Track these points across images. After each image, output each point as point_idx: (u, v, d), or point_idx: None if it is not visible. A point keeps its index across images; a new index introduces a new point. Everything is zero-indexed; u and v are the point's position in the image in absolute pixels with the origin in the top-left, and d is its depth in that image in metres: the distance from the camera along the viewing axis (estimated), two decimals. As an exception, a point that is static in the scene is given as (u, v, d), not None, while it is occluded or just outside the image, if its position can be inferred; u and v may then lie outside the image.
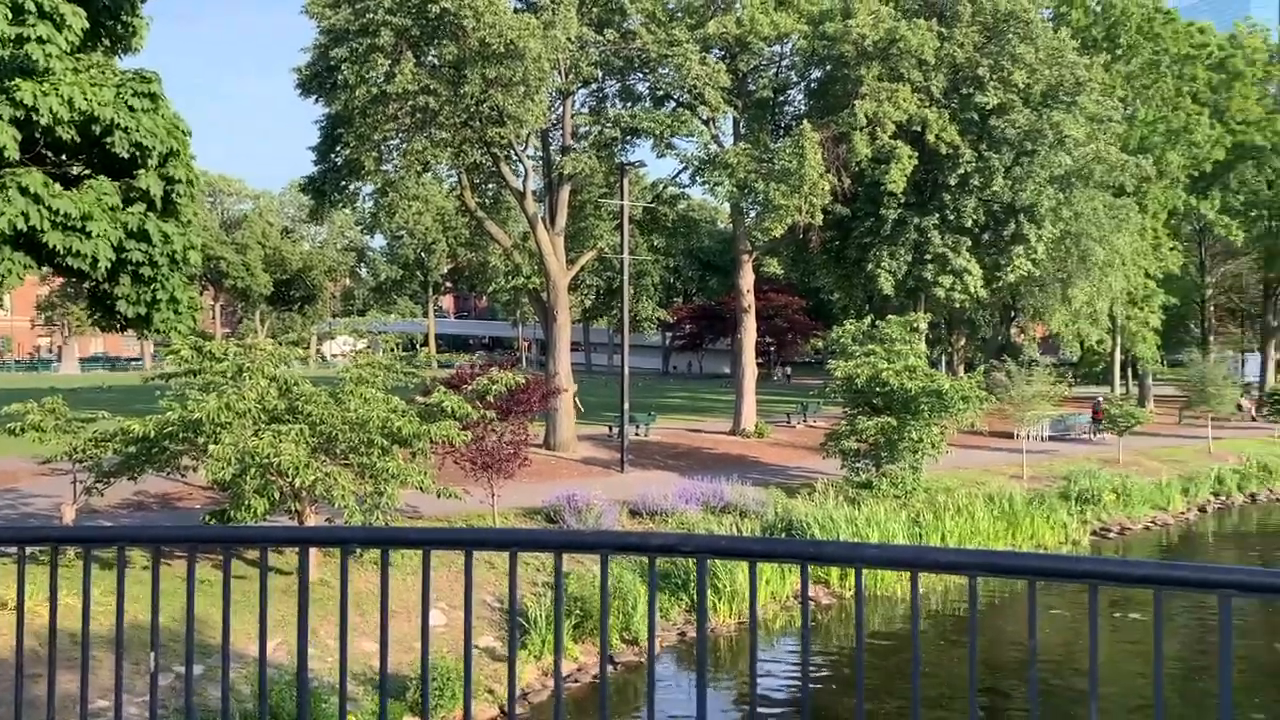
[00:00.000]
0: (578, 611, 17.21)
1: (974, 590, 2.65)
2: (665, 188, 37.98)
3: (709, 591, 18.92)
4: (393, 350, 21.87)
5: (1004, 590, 19.04)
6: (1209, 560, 26.39)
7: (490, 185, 36.17)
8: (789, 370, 76.70)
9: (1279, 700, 15.54)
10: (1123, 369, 55.53)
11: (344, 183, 31.94)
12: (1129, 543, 27.78)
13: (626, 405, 30.70)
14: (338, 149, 30.53)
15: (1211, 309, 63.59)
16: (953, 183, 35.77)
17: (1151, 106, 47.24)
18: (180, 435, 16.07)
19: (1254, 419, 49.39)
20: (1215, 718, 2.53)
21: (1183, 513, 31.39)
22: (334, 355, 76.01)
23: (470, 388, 19.78)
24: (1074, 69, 36.05)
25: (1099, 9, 48.49)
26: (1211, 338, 61.60)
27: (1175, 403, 48.72)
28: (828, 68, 36.73)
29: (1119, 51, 47.18)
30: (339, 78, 27.06)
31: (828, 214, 34.50)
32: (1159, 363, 55.14)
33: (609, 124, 33.50)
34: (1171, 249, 48.67)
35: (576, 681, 16.03)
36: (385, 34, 26.14)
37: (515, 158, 32.87)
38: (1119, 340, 49.30)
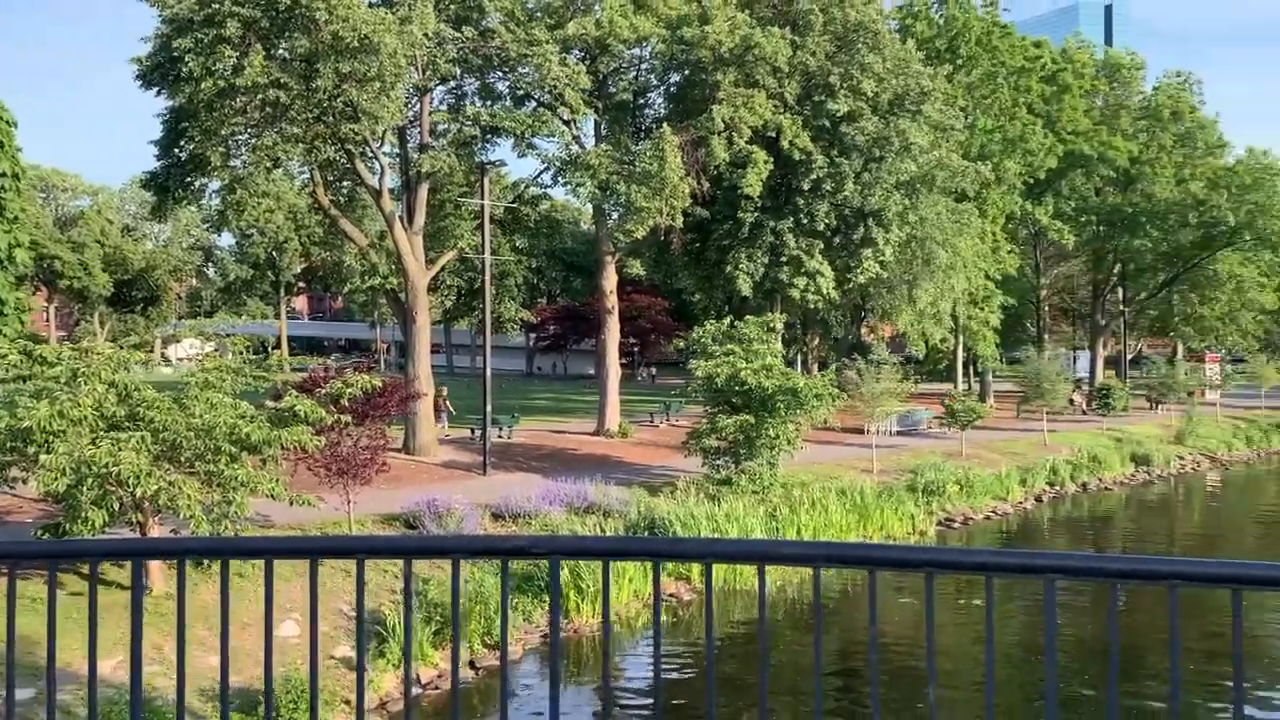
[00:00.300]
0: (438, 618, 16.96)
1: (818, 580, 2.73)
2: (527, 188, 37.82)
3: (573, 592, 18.94)
4: (242, 353, 21.02)
5: (859, 580, 19.72)
6: (1040, 546, 28.00)
7: (345, 183, 35.26)
8: (654, 370, 77.45)
9: (1106, 677, 16.60)
10: (965, 366, 58.25)
11: (189, 179, 30.58)
12: (972, 532, 29.18)
13: (489, 407, 30.41)
14: (182, 143, 29.21)
15: (1046, 309, 67.43)
16: (806, 187, 36.85)
17: (990, 116, 49.73)
18: (8, 445, 15.11)
19: (1085, 412, 52.58)
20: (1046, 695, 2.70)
21: (1021, 502, 33.18)
22: (179, 359, 72.69)
23: (324, 391, 19.23)
24: (919, 79, 37.65)
25: (942, 22, 50.80)
26: (1046, 336, 65.31)
27: (1013, 398, 51.39)
28: (686, 72, 37.30)
29: (960, 63, 49.54)
30: (183, 69, 25.86)
31: (688, 216, 35.02)
32: (998, 360, 58.13)
33: (468, 122, 33.14)
34: (1009, 252, 51.34)
35: (438, 689, 15.81)
36: (232, 25, 25.15)
37: (371, 155, 32.14)
38: (961, 339, 51.68)
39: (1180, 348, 71.77)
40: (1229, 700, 14.81)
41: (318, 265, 73.83)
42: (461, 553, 2.94)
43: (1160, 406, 53.67)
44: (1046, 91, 53.91)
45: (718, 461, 27.59)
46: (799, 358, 50.66)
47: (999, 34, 51.22)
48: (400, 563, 2.98)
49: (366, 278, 34.94)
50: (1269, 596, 2.59)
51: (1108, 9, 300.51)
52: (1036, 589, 2.63)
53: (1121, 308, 66.36)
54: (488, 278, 32.65)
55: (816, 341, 52.77)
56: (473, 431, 33.94)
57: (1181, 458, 43.33)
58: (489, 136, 33.59)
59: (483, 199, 31.41)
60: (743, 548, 3.72)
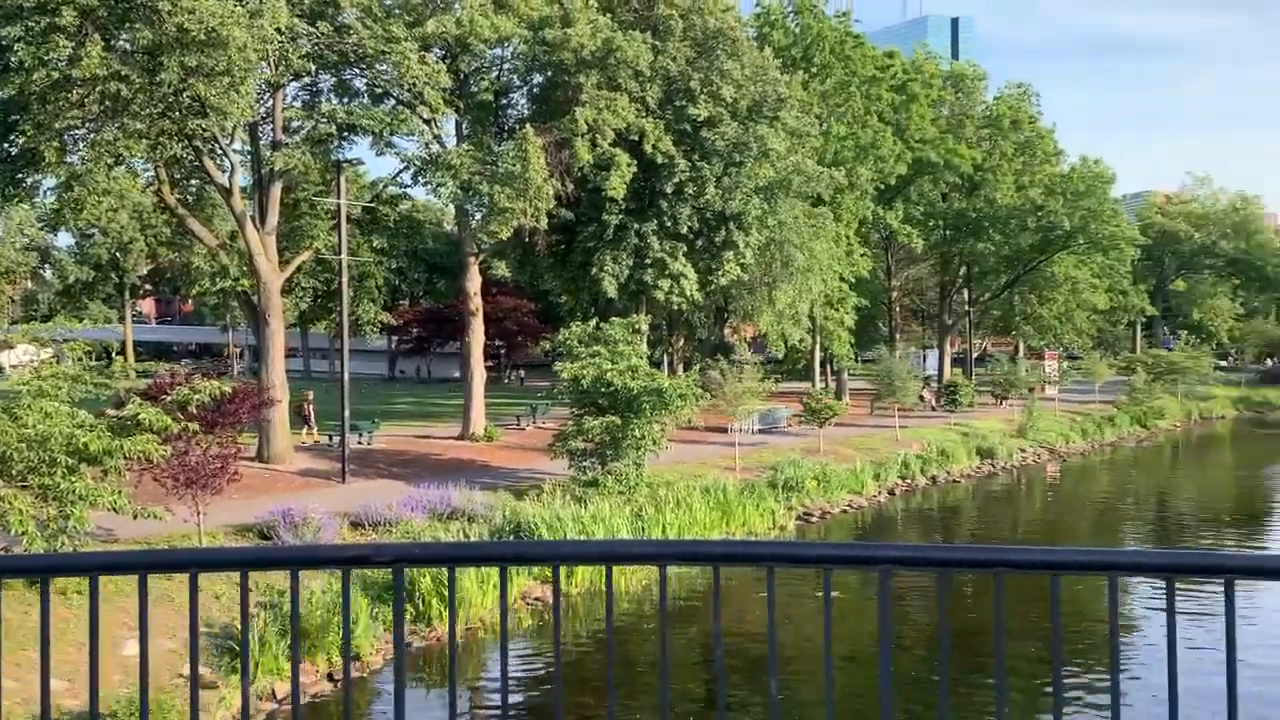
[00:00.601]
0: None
1: (664, 578, 2.76)
2: (385, 187, 37.07)
3: (435, 599, 18.68)
4: (81, 359, 19.93)
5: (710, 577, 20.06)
6: (893, 537, 29.12)
7: (193, 180, 33.84)
8: (523, 373, 76.95)
9: (947, 664, 17.38)
10: (822, 365, 60.00)
11: (20, 175, 28.81)
12: (830, 525, 30.13)
13: (347, 413, 29.68)
14: (12, 137, 27.46)
15: (898, 309, 70.16)
16: (669, 191, 37.31)
17: (844, 123, 51.39)
18: None
19: (934, 408, 54.92)
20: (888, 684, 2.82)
21: (875, 495, 34.43)
22: (13, 366, 68.32)
23: (170, 398, 18.43)
24: (776, 86, 38.63)
25: (798, 31, 52.19)
26: (898, 336, 67.95)
27: (868, 395, 53.24)
28: (549, 73, 37.25)
29: (815, 71, 51.05)
30: (11, 59, 24.35)
31: (553, 218, 34.97)
32: (853, 359, 60.10)
33: (324, 119, 32.24)
34: (862, 255, 53.14)
35: (290, 705, 15.35)
36: (67, 13, 23.80)
37: (220, 151, 30.94)
38: (818, 339, 53.21)
39: (1022, 346, 75.75)
40: (1049, 678, 15.72)
41: (165, 267, 70.67)
42: (299, 563, 2.88)
43: (1005, 402, 56.50)
44: (896, 100, 56.05)
45: (584, 463, 27.67)
46: (665, 358, 51.24)
47: (851, 44, 52.96)
48: (259, 575, 2.90)
49: (217, 280, 33.65)
50: (1093, 579, 2.82)
51: (954, 22, 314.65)
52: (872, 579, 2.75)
53: (967, 308, 69.63)
54: (344, 279, 31.86)
55: (682, 342, 53.45)
56: (330, 438, 33.04)
57: (1023, 450, 45.73)
58: (345, 134, 32.75)
59: (339, 198, 30.65)
60: (589, 549, 3.74)
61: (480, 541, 17.48)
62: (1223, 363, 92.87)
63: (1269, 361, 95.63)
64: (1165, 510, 36.41)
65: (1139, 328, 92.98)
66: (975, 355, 75.42)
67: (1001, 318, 73.42)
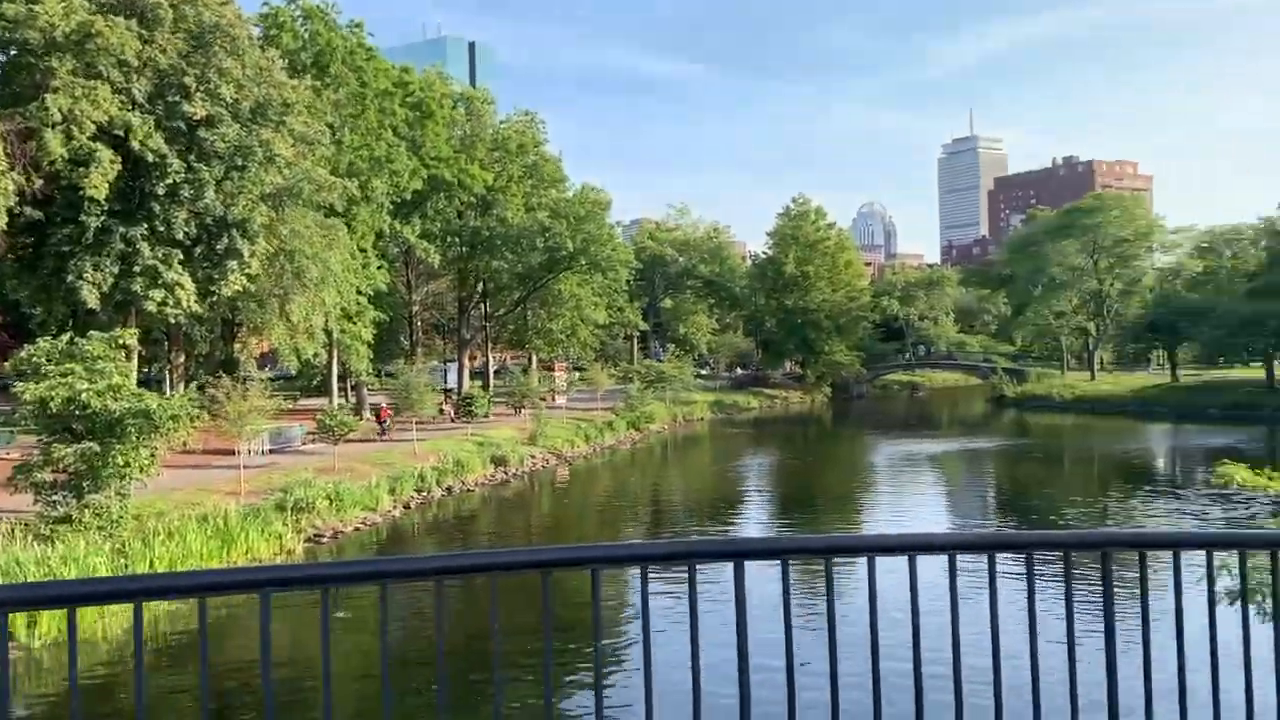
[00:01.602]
0: None
1: (139, 619, 2.67)
2: None
3: None
4: None
5: (229, 605, 18.75)
6: (408, 550, 29.27)
7: None
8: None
9: (465, 675, 17.77)
10: (341, 380, 58.77)
11: None
12: (342, 545, 29.45)
13: None
14: None
15: (419, 323, 70.82)
16: (162, 192, 34.34)
17: (358, 134, 50.79)
18: None
19: (453, 420, 56.06)
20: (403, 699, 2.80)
21: (390, 510, 34.27)
22: None
23: None
24: (282, 89, 37.18)
25: (308, 36, 50.65)
26: (419, 350, 68.57)
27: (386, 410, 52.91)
28: (12, 53, 32.60)
29: (329, 80, 49.87)
30: None
31: (17, 216, 30.56)
32: (374, 374, 59.53)
33: None
34: (380, 268, 52.87)
35: None
36: None
37: None
38: (336, 353, 52.00)
39: (534, 358, 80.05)
40: (540, 672, 16.78)
41: None
42: None
43: (523, 411, 59.24)
44: (411, 117, 56.58)
45: (54, 497, 24.36)
46: (166, 376, 46.93)
47: (364, 56, 52.51)
48: None
49: None
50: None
51: (471, 46, 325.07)
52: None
53: (485, 322, 72.19)
54: None
55: (183, 358, 49.33)
56: None
57: (534, 456, 48.21)
58: None
59: None
60: (39, 591, 3.24)
61: None
62: (703, 371, 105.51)
63: (739, 370, 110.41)
64: (656, 501, 40.47)
65: (635, 341, 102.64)
66: (495, 368, 78.39)
67: (516, 332, 77.10)
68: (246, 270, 36.59)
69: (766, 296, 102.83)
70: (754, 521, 35.34)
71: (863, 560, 3.18)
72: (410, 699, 14.99)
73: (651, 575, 3.01)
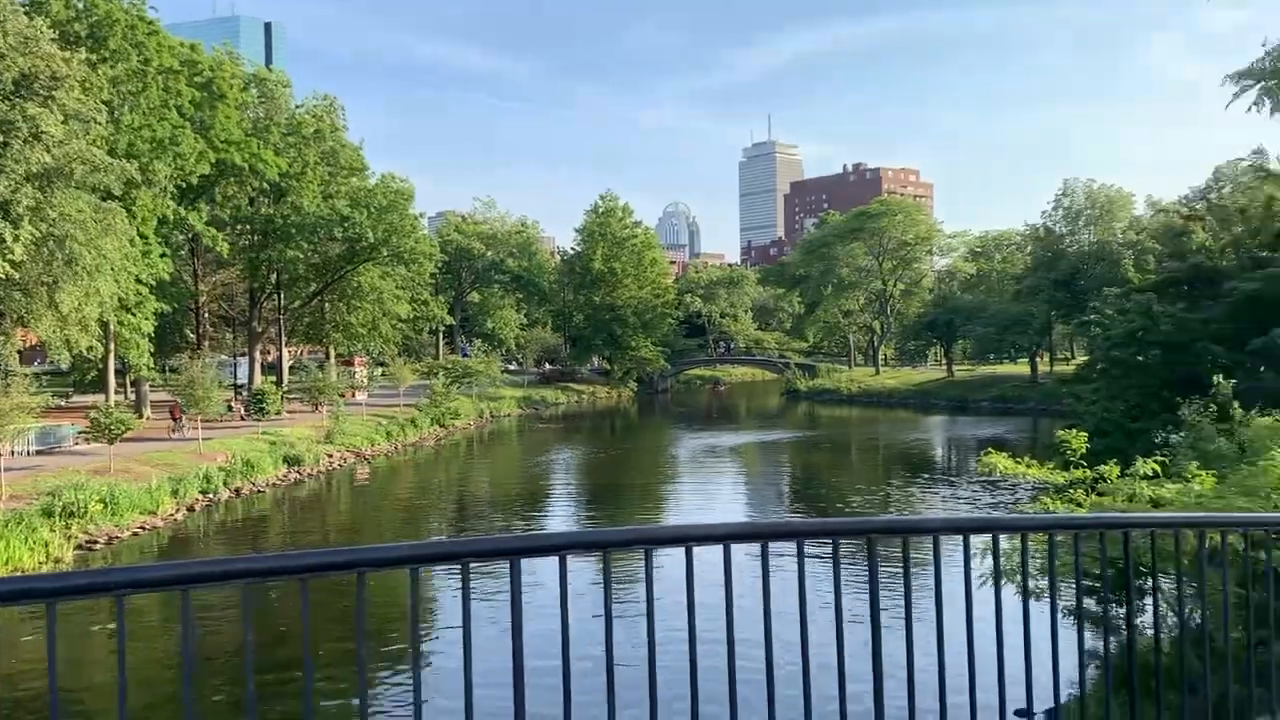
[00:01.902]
0: None
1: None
2: None
3: None
4: None
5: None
6: (194, 554, 27.67)
7: None
8: None
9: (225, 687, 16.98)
10: (120, 375, 54.88)
11: None
12: (118, 550, 27.51)
13: None
14: None
15: (206, 315, 66.97)
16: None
17: (139, 113, 47.49)
18: None
19: (243, 418, 53.39)
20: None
21: (173, 514, 32.28)
22: None
23: None
24: (51, 61, 34.33)
25: (81, 6, 46.92)
26: (207, 344, 64.82)
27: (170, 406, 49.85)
28: None
29: (106, 54, 46.32)
30: None
31: None
32: (155, 369, 55.87)
33: None
34: (163, 256, 49.65)
35: None
36: None
37: None
38: (113, 347, 48.50)
39: (333, 353, 77.29)
40: (353, 671, 16.29)
41: None
42: None
43: (321, 408, 57.00)
44: (199, 97, 53.37)
45: None
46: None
47: (146, 30, 49.10)
48: None
49: None
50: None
51: (267, 26, 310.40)
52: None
53: (279, 315, 69.07)
54: None
55: (-68, 353, 44.69)
56: None
57: (330, 455, 46.53)
58: None
59: None
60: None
61: None
62: (511, 367, 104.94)
63: (547, 366, 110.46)
64: (462, 499, 39.89)
65: (440, 335, 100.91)
66: (290, 363, 75.12)
67: (313, 325, 74.27)
68: (10, 256, 33.56)
69: (575, 292, 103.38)
70: (559, 516, 35.45)
71: (640, 551, 3.24)
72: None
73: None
